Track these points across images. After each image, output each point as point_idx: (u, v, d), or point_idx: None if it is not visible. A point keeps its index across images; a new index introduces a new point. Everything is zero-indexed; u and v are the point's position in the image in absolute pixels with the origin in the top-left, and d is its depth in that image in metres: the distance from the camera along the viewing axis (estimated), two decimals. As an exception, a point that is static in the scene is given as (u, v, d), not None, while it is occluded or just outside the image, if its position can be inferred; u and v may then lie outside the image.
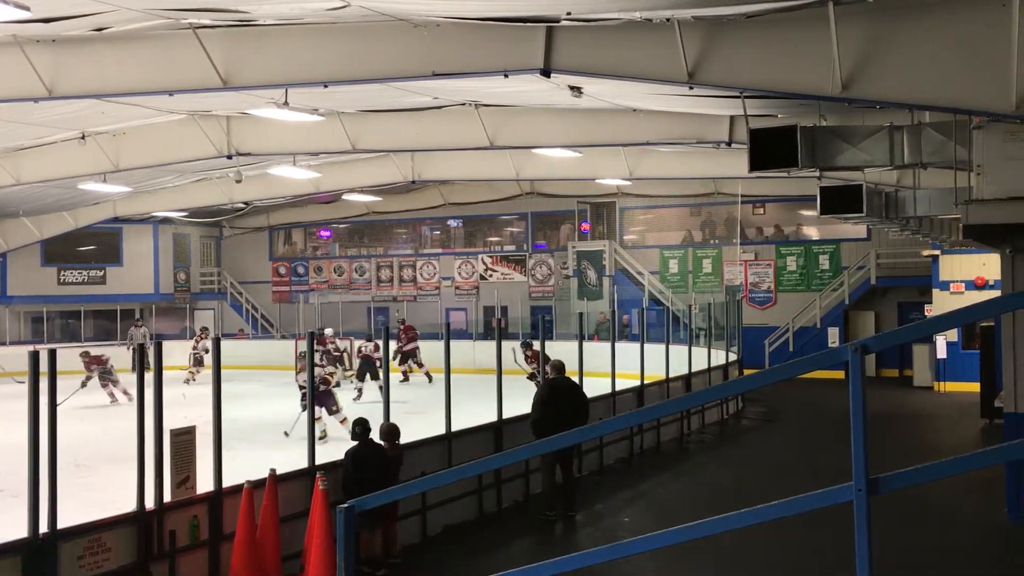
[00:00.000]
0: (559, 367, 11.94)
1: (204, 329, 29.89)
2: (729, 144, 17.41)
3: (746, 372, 22.93)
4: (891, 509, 10.15)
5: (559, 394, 11.58)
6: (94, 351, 22.11)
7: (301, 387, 16.75)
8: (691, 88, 11.64)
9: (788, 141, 11.93)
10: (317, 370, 14.64)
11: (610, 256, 31.56)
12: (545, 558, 4.17)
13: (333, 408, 15.84)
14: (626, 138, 18.55)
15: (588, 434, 10.65)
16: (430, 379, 24.23)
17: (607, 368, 15.72)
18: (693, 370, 18.95)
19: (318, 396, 14.76)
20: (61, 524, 7.00)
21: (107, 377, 21.33)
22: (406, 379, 24.94)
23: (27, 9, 9.97)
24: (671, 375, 17.95)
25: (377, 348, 25.84)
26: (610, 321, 22.49)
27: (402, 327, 25.81)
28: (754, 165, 12.23)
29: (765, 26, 10.65)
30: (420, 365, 25.06)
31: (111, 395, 21.09)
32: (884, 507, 3.51)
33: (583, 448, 13.82)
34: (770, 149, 12.11)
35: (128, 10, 11.71)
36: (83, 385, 20.55)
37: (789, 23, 10.52)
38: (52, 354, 7.15)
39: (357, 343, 24.54)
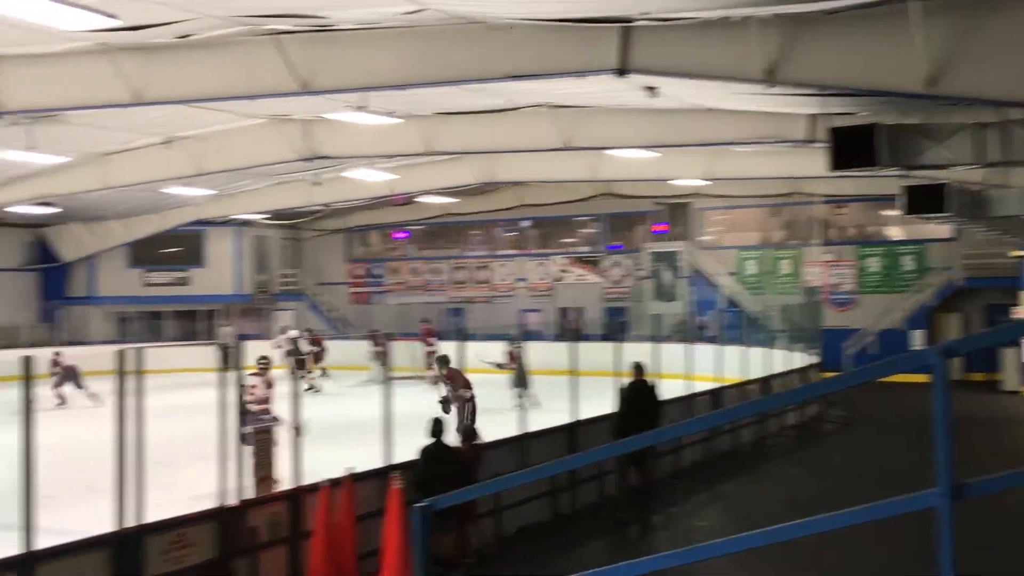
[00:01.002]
0: (640, 368, 11.84)
1: (284, 328, 30.43)
2: (809, 143, 17.10)
3: (825, 375, 22.49)
4: (974, 516, 9.86)
5: (640, 395, 11.51)
6: (65, 360, 22.02)
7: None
8: (770, 87, 11.47)
9: (870, 139, 11.68)
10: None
11: (686, 257, 31.27)
12: (620, 561, 4.14)
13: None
14: (703, 138, 18.35)
15: (664, 435, 10.58)
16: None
17: (682, 370, 15.58)
18: (771, 373, 18.65)
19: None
20: (147, 519, 7.19)
21: (69, 380, 21.23)
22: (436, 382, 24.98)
23: (115, 18, 10.27)
24: (748, 378, 17.70)
25: (317, 342, 26.44)
26: (685, 323, 22.27)
27: (423, 329, 26.36)
28: (835, 164, 12.00)
29: (846, 22, 10.44)
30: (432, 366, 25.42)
31: (60, 396, 20.79)
32: (967, 514, 3.41)
33: (658, 451, 13.70)
34: (851, 148, 11.87)
35: (211, 17, 11.99)
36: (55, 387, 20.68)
37: (871, 19, 10.30)
38: (139, 353, 7.35)
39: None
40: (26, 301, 32.98)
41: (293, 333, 26.44)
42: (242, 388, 11.63)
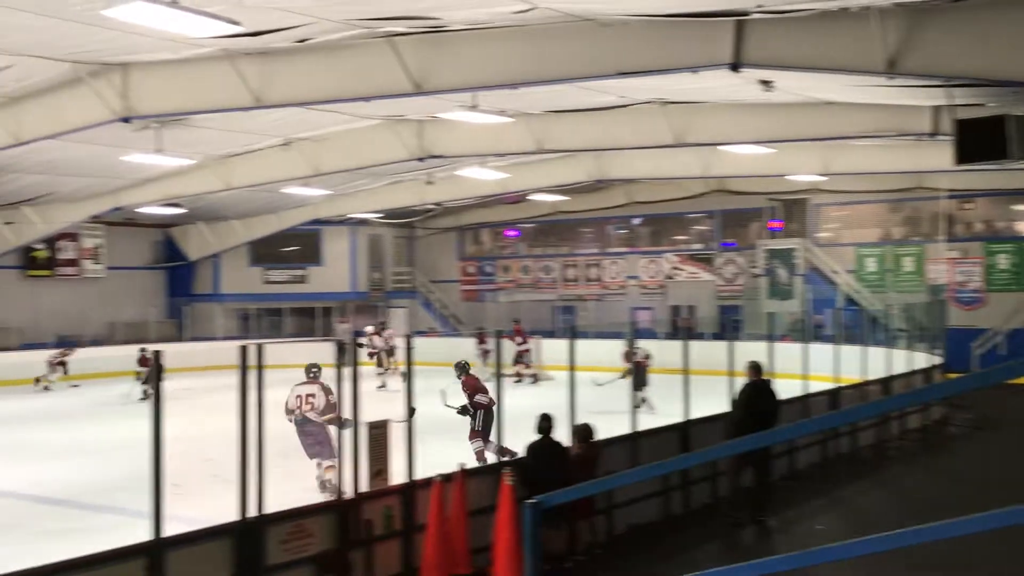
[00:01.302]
0: (757, 368, 11.62)
1: (381, 324, 31.14)
2: (933, 136, 16.49)
3: (950, 376, 21.66)
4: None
5: (759, 396, 11.30)
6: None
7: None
8: (891, 79, 11.11)
9: (998, 131, 11.20)
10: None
11: (802, 254, 30.55)
12: (733, 562, 4.08)
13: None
14: (820, 132, 17.90)
15: (781, 436, 10.35)
16: (536, 380, 24.89)
17: (797, 370, 15.22)
18: (892, 373, 18.06)
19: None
20: (267, 510, 7.42)
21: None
22: (520, 380, 25.13)
23: (238, 24, 10.62)
24: (868, 378, 17.18)
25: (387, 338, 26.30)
26: (802, 322, 21.75)
27: (515, 327, 26.55)
28: (961, 158, 11.56)
29: (973, 10, 10.04)
30: (527, 366, 25.63)
31: (145, 392, 21.80)
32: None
33: (773, 452, 13.43)
34: (978, 140, 11.41)
35: (328, 22, 12.29)
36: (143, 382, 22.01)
37: (1000, 6, 9.88)
38: (260, 349, 7.58)
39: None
40: (154, 298, 34.41)
41: (369, 329, 27.26)
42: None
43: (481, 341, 26.32)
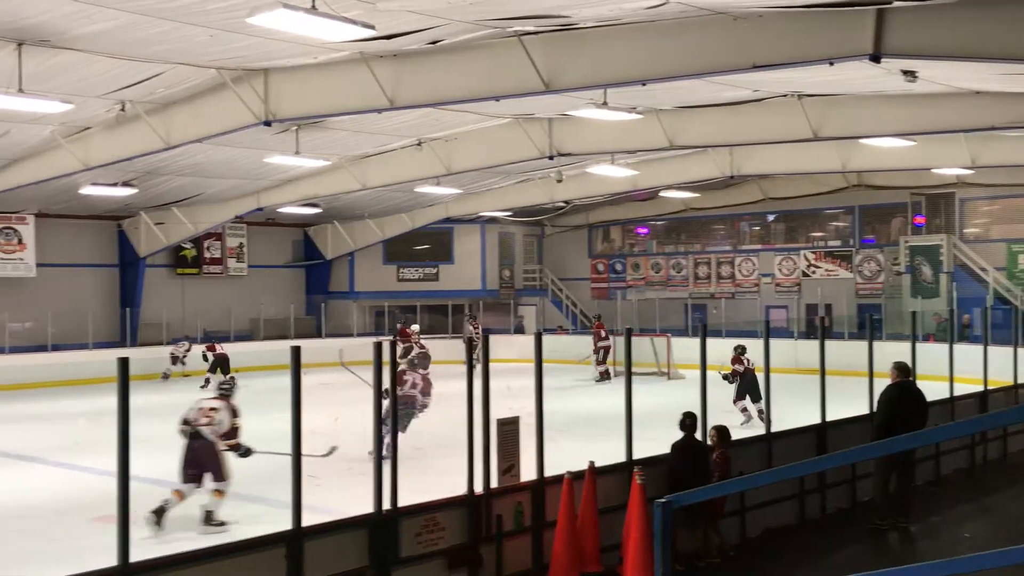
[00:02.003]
0: (904, 369, 11.17)
1: (472, 317, 32.59)
2: (1092, 125, 15.55)
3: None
4: None
5: (906, 398, 10.87)
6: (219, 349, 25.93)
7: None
8: (1047, 64, 10.53)
9: None
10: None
11: (948, 251, 29.26)
12: (875, 568, 3.94)
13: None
14: (967, 123, 17.10)
15: (928, 439, 9.95)
16: (608, 377, 25.04)
17: (943, 372, 14.58)
18: (1047, 376, 17.08)
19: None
20: (402, 503, 7.57)
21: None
22: (603, 378, 25.38)
23: (372, 28, 10.87)
24: (1020, 381, 16.31)
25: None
26: (948, 321, 20.82)
27: (596, 324, 27.05)
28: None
29: None
30: (600, 363, 25.77)
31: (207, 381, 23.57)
32: None
33: (917, 456, 12.90)
34: None
35: (460, 23, 12.45)
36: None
37: None
38: (392, 345, 7.75)
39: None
40: (293, 295, 35.59)
41: (415, 328, 27.78)
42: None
43: (599, 338, 26.45)
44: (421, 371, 14.73)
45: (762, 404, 14.03)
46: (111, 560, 5.95)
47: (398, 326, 29.63)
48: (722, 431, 9.79)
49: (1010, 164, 23.13)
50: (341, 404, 16.67)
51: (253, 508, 11.25)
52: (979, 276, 28.87)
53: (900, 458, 10.57)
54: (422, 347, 23.45)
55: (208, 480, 10.41)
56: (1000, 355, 16.30)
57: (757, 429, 11.54)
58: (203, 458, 10.44)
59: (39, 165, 20.62)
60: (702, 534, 9.38)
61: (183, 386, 25.65)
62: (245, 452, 10.82)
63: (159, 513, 10.04)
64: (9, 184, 21.66)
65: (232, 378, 11.50)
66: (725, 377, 17.35)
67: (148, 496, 9.94)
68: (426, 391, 14.45)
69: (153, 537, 9.72)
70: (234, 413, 10.78)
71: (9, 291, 27.96)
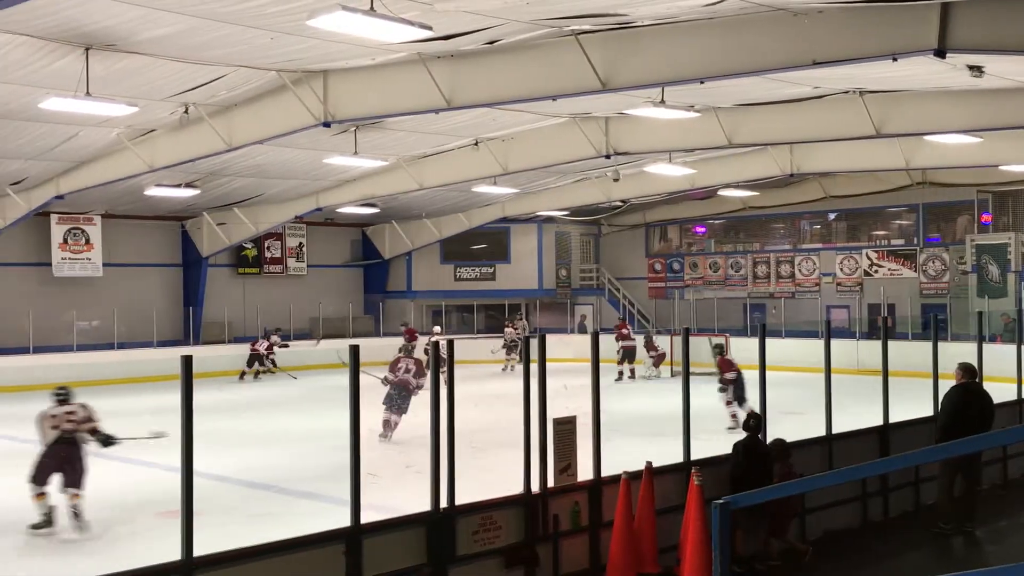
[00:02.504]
0: (970, 370, 10.94)
1: (516, 317, 32.70)
2: None
3: None
4: None
5: (971, 400, 10.64)
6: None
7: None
8: (1118, 57, 10.24)
9: None
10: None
11: (1016, 250, 28.53)
12: (939, 573, 3.87)
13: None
14: (1035, 119, 16.68)
15: (991, 441, 9.76)
16: (621, 377, 25.64)
17: (1010, 373, 14.23)
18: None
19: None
20: (459, 501, 7.60)
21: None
22: (620, 378, 25.70)
23: (430, 29, 10.93)
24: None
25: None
26: (1016, 321, 20.33)
27: (617, 325, 27.57)
28: None
29: None
30: (619, 363, 26.03)
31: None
32: None
33: (983, 459, 12.61)
34: None
35: (517, 23, 12.47)
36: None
37: None
38: (450, 344, 7.79)
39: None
40: (352, 295, 35.94)
41: (436, 329, 28.22)
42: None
43: (621, 337, 26.49)
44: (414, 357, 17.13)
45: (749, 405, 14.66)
46: (175, 554, 6.07)
47: (402, 328, 30.30)
48: (781, 446, 9.61)
49: (1081, 160, 22.52)
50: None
51: (312, 504, 11.40)
52: (1049, 275, 28.14)
53: (965, 461, 10.35)
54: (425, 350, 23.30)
55: (63, 482, 10.49)
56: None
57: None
58: (68, 458, 10.54)
59: (106, 167, 21.09)
60: (764, 537, 9.28)
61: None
62: (108, 441, 10.98)
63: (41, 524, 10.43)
64: (77, 185, 22.19)
65: (63, 388, 11.22)
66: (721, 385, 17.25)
67: (212, 491, 10.10)
68: (419, 374, 15.93)
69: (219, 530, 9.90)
70: (85, 407, 10.91)
71: (77, 290, 28.67)
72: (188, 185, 24.97)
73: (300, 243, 34.10)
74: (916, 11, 10.81)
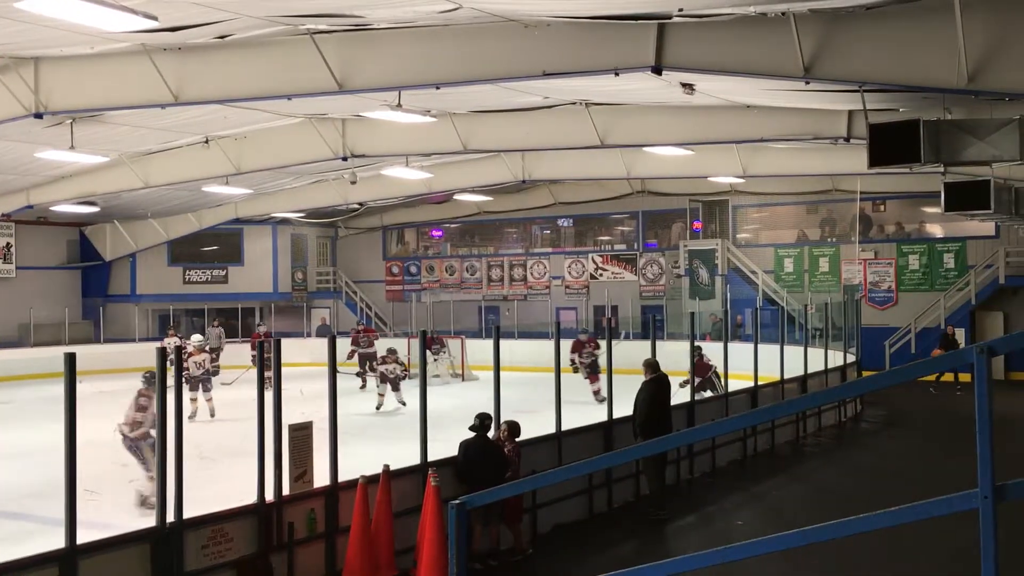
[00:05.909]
0: (655, 365, 11.88)
1: (259, 324, 30.95)
2: (847, 140, 16.93)
3: (865, 374, 22.25)
4: (1017, 518, 9.71)
5: (661, 391, 11.66)
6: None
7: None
8: (807, 83, 11.38)
9: (910, 136, 11.52)
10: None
11: (722, 255, 31.08)
12: (657, 559, 4.14)
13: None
14: (739, 135, 18.24)
15: (701, 434, 10.57)
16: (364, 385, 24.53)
17: (719, 369, 15.48)
18: (809, 371, 18.49)
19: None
20: (187, 514, 7.28)
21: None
22: (364, 385, 23.39)
23: (155, 19, 10.39)
24: (786, 376, 17.56)
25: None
26: (722, 321, 22.12)
27: (360, 330, 26.83)
28: (874, 161, 11.87)
29: (885, 18, 10.33)
30: (372, 370, 24.14)
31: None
32: (1010, 516, 3.36)
33: (695, 449, 13.65)
34: (891, 144, 11.73)
35: (249, 17, 12.10)
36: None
37: (911, 14, 10.18)
38: (178, 351, 7.45)
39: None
40: (68, 299, 33.45)
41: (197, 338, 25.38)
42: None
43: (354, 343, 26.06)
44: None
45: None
46: None
47: (359, 327, 28.23)
48: (512, 426, 9.98)
49: (777, 174, 24.86)
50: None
51: (21, 525, 10.52)
52: (750, 278, 30.81)
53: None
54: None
55: None
56: (769, 353, 17.47)
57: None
58: None
59: None
60: (497, 533, 9.54)
61: None
62: None
63: None
64: None
65: None
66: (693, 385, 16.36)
67: None
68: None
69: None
70: None
71: None
72: None
73: (8, 243, 31.35)
74: (636, 29, 11.51)
